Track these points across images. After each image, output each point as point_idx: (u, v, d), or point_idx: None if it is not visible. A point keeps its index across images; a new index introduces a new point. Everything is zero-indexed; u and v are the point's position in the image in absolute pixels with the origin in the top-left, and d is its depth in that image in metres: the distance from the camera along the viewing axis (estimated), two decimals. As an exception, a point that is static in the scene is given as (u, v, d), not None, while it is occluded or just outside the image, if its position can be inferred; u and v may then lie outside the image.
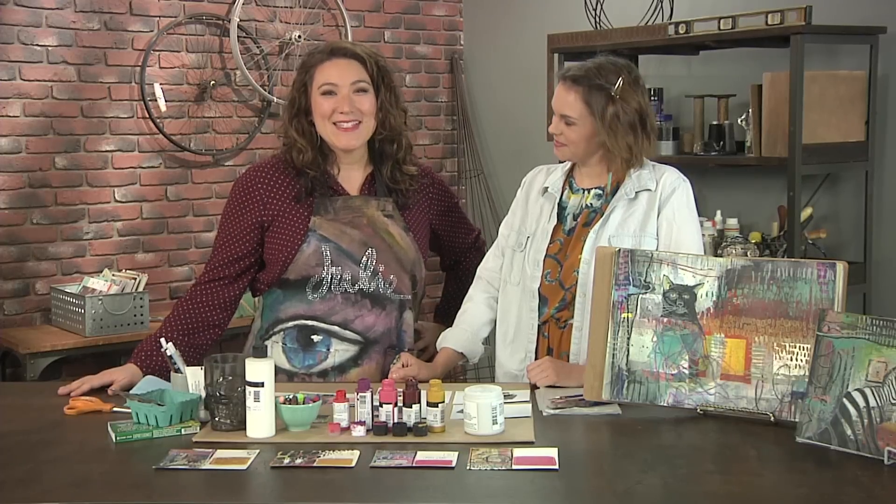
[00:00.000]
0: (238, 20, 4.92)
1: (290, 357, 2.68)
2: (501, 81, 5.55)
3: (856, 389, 2.00)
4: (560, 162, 2.72)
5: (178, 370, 2.38)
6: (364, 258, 2.65)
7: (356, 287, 2.65)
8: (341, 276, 2.64)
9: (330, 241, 2.64)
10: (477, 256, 2.99)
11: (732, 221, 4.17)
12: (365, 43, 5.31)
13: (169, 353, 2.39)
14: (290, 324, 2.68)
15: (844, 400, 2.01)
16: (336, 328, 2.66)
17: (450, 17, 5.74)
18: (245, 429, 2.15)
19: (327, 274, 2.64)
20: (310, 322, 2.66)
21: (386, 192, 2.72)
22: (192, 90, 4.90)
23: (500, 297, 2.71)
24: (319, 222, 2.65)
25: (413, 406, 2.18)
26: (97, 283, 4.37)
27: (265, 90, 5.04)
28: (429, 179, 2.84)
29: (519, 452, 2.01)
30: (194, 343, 2.62)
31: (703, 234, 2.87)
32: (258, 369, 2.13)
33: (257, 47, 5.05)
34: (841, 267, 2.17)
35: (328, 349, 2.66)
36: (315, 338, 2.66)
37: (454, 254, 3.01)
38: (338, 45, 2.72)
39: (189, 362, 2.40)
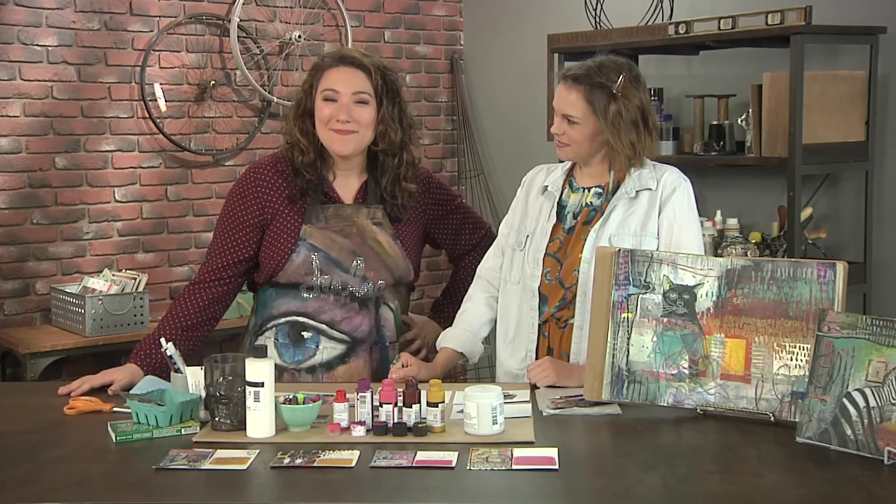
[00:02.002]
0: (238, 20, 4.92)
1: (281, 352, 2.72)
2: (501, 81, 5.55)
3: (856, 389, 2.00)
4: (561, 162, 2.72)
5: (178, 370, 2.38)
6: (353, 266, 2.69)
7: (347, 291, 2.69)
8: (331, 283, 2.69)
9: (319, 250, 2.67)
10: (484, 252, 2.98)
11: (732, 221, 4.17)
12: (363, 43, 5.36)
13: (169, 353, 2.39)
14: (283, 320, 2.72)
15: (844, 400, 2.01)
16: (324, 326, 2.70)
17: (450, 17, 5.74)
18: (245, 429, 2.15)
19: (317, 281, 2.68)
20: (301, 318, 2.70)
21: (377, 199, 2.74)
22: (192, 90, 4.90)
23: (500, 296, 2.71)
24: (310, 231, 2.67)
25: (413, 406, 2.18)
26: (97, 283, 4.37)
27: (265, 90, 5.04)
28: (424, 185, 2.83)
29: (519, 452, 2.01)
30: (191, 337, 2.66)
31: (703, 234, 2.87)
32: (258, 369, 2.13)
33: (257, 47, 5.05)
34: (841, 267, 2.17)
35: (317, 346, 2.71)
36: (305, 334, 2.71)
37: (459, 252, 3.00)
38: (348, 52, 2.74)
39: (185, 354, 2.43)
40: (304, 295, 2.69)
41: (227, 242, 2.71)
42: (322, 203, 2.70)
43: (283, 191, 2.70)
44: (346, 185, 2.74)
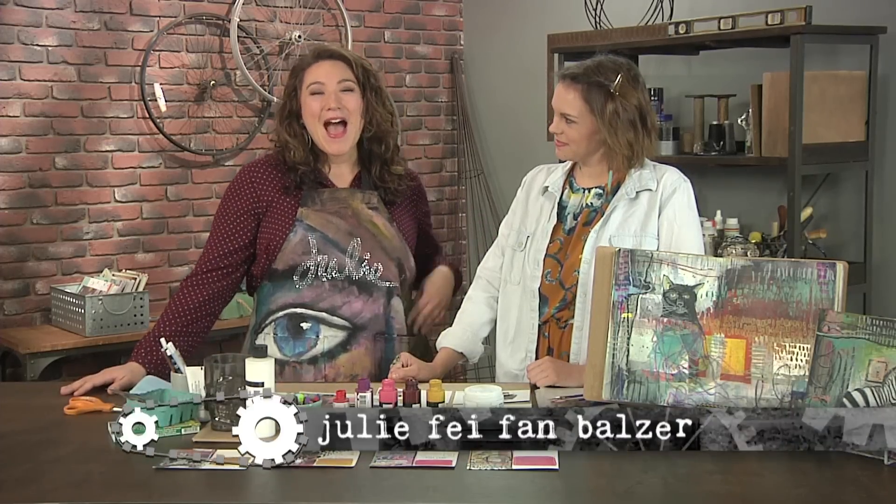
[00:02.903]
0: (238, 20, 4.93)
1: (281, 346, 2.73)
2: (501, 81, 5.55)
3: (856, 389, 2.00)
4: (561, 162, 2.72)
5: (178, 370, 2.38)
6: (350, 247, 2.71)
7: (343, 274, 2.71)
8: (328, 263, 2.70)
9: (316, 230, 2.70)
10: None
11: (732, 221, 4.17)
12: (363, 43, 5.36)
13: (169, 353, 2.39)
14: (281, 313, 2.73)
15: (844, 400, 2.01)
16: (324, 314, 2.71)
17: (450, 17, 5.74)
18: (245, 429, 2.14)
19: (314, 262, 2.70)
20: (299, 310, 2.71)
21: (372, 187, 2.79)
22: (192, 90, 4.90)
23: (501, 296, 2.71)
24: (306, 213, 2.71)
25: (413, 406, 2.17)
26: (97, 283, 4.37)
27: (265, 90, 5.04)
28: (416, 182, 2.92)
29: (519, 452, 2.01)
30: (190, 333, 2.67)
31: (703, 234, 2.87)
32: (258, 369, 2.13)
33: (257, 47, 5.06)
34: (841, 267, 2.17)
35: (317, 336, 2.71)
36: (304, 325, 2.71)
37: (427, 252, 2.99)
38: (325, 48, 2.81)
39: (186, 351, 2.43)
40: (299, 285, 2.70)
41: (223, 232, 2.74)
42: (317, 189, 2.75)
43: (278, 183, 2.74)
44: (341, 175, 2.79)
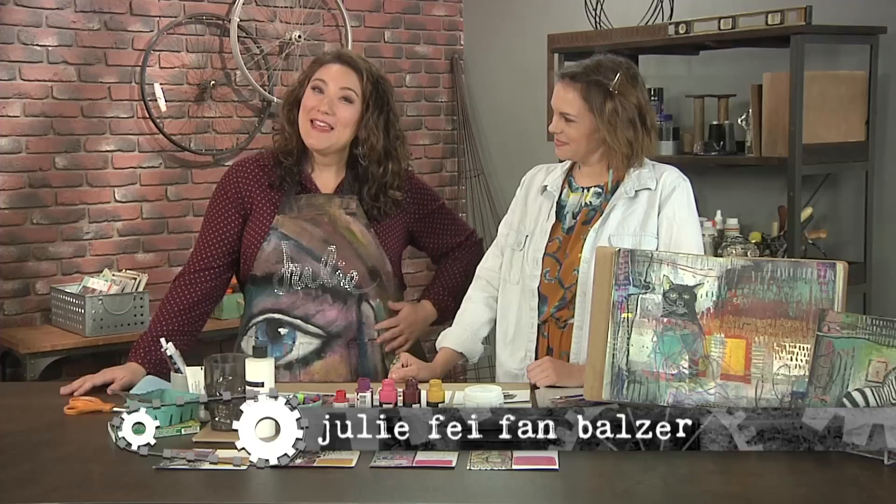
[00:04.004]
0: (238, 20, 4.93)
1: None
2: (501, 81, 5.55)
3: (856, 389, 2.00)
4: (560, 161, 2.72)
5: (178, 370, 2.38)
6: (324, 255, 2.71)
7: (317, 282, 2.71)
8: (301, 272, 2.70)
9: (290, 238, 2.70)
10: (469, 249, 2.95)
11: (732, 221, 4.17)
12: (363, 43, 5.36)
13: (169, 354, 2.39)
14: (261, 318, 2.75)
15: (844, 400, 2.01)
16: (299, 321, 2.72)
17: (450, 17, 5.74)
18: (245, 429, 2.14)
19: (287, 271, 2.70)
20: (276, 315, 2.73)
21: (351, 191, 2.75)
22: (192, 90, 4.90)
23: (500, 296, 2.72)
24: (282, 221, 2.71)
25: (413, 406, 2.17)
26: (97, 283, 4.37)
27: (265, 90, 5.04)
28: (407, 185, 2.83)
29: (519, 452, 2.01)
30: (187, 330, 2.68)
31: (703, 234, 2.88)
32: (258, 369, 2.13)
33: (257, 47, 5.05)
34: (841, 267, 2.17)
35: (293, 342, 2.73)
36: (282, 330, 2.73)
37: (442, 251, 2.97)
38: (346, 52, 2.81)
39: (181, 350, 2.44)
40: (277, 291, 2.71)
41: (213, 232, 2.75)
42: (295, 194, 2.74)
43: (263, 182, 2.75)
44: (325, 178, 2.78)
